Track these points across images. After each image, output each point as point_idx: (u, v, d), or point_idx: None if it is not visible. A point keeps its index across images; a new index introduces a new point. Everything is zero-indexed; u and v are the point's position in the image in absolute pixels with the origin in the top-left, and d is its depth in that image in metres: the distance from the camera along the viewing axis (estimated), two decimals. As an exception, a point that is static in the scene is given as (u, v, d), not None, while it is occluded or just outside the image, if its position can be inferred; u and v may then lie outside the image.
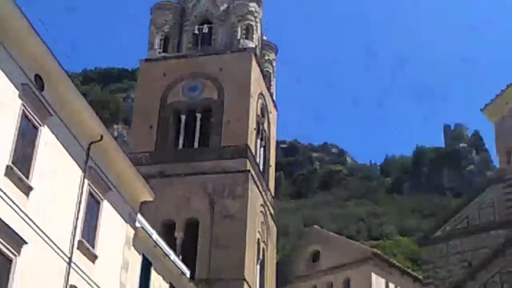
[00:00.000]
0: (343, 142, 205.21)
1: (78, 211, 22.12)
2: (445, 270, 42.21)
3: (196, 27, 50.01)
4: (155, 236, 28.57)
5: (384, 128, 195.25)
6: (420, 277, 46.45)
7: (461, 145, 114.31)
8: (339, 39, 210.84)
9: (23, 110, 19.58)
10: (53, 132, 21.05)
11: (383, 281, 49.58)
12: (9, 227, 18.30)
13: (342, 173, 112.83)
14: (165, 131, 45.32)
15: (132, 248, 26.04)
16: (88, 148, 23.02)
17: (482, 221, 42.63)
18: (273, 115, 51.69)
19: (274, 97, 52.28)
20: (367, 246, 57.78)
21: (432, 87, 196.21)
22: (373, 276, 48.86)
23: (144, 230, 27.36)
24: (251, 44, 48.14)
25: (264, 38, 53.06)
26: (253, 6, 49.46)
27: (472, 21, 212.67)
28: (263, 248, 44.89)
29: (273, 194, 49.72)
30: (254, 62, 47.22)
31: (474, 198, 44.12)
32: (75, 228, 21.84)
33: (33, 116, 20.04)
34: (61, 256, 20.97)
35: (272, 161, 50.86)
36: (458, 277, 37.66)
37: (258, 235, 43.68)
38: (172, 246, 34.11)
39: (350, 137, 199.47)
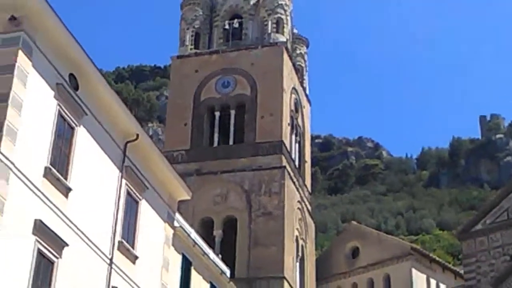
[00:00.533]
0: (378, 136, 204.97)
1: (117, 211, 22.19)
2: (487, 264, 41.94)
3: (226, 22, 49.91)
4: (193, 234, 28.58)
5: (419, 121, 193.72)
6: (462, 271, 46.11)
7: (497, 135, 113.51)
8: (375, 30, 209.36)
9: (59, 110, 19.61)
10: (89, 132, 21.09)
11: (424, 276, 49.27)
12: (49, 229, 18.36)
13: (378, 167, 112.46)
14: (199, 128, 45.32)
15: (172, 247, 26.05)
16: (125, 148, 23.06)
17: (523, 213, 42.40)
18: (306, 109, 51.50)
19: (307, 91, 52.08)
20: (406, 241, 57.44)
21: (466, 77, 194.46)
22: (414, 271, 48.59)
23: (183, 229, 27.37)
24: (282, 38, 47.96)
25: (295, 31, 52.88)
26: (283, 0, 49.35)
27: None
28: (302, 245, 44.76)
29: (309, 190, 49.57)
30: (285, 56, 47.04)
31: (512, 191, 43.81)
32: (114, 228, 21.91)
33: (69, 116, 20.07)
34: (102, 258, 21.05)
35: (308, 157, 50.69)
36: (501, 271, 37.37)
37: (296, 232, 43.55)
38: (211, 244, 34.16)
39: (385, 131, 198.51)
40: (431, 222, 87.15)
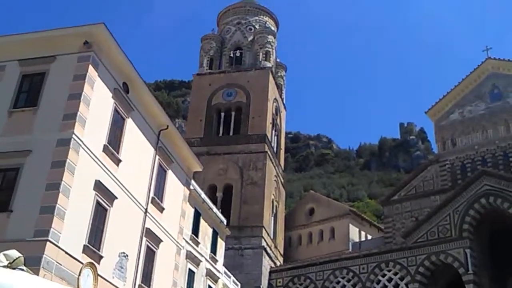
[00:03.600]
0: (331, 133, 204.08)
1: (151, 177, 22.17)
2: (400, 223, 42.23)
3: (231, 52, 49.74)
4: (203, 195, 28.57)
5: (359, 123, 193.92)
6: (383, 227, 46.33)
7: (411, 137, 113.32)
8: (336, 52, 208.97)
9: (114, 106, 19.59)
10: (135, 122, 21.08)
11: (357, 230, 49.40)
12: (105, 187, 18.38)
13: (330, 155, 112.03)
14: (210, 123, 45.18)
15: (188, 203, 26.06)
16: (159, 134, 23.02)
17: (425, 189, 42.68)
18: (283, 114, 51.40)
19: (284, 101, 52.01)
20: (346, 205, 57.48)
21: (391, 92, 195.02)
22: (350, 226, 48.70)
23: (196, 191, 27.38)
24: (269, 64, 47.84)
25: (278, 60, 52.74)
26: (270, 38, 49.14)
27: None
28: (276, 205, 44.79)
29: (283, 168, 49.53)
30: (270, 77, 46.92)
31: (419, 173, 44.12)
32: (149, 188, 21.91)
33: (121, 111, 20.05)
34: (140, 208, 21.07)
35: (282, 146, 50.61)
36: (408, 227, 37.61)
37: (272, 196, 43.57)
38: (214, 202, 34.11)
39: (336, 129, 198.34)
40: (364, 193, 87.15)
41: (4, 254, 4.42)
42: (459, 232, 33.68)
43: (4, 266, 4.21)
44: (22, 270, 4.31)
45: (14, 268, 4.26)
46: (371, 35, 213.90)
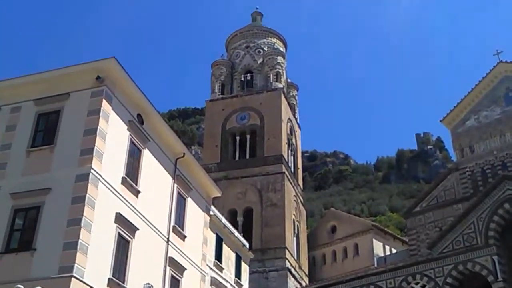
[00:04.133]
0: (347, 149, 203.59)
1: (171, 205, 22.22)
2: (424, 234, 41.58)
3: (242, 75, 50.01)
4: (223, 220, 28.50)
5: (375, 137, 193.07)
6: (407, 240, 45.77)
7: (428, 147, 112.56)
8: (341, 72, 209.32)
9: (130, 138, 19.72)
10: (151, 153, 21.18)
11: (381, 244, 48.91)
12: (126, 219, 18.43)
13: (347, 171, 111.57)
14: (226, 148, 45.28)
15: (209, 229, 25.99)
16: (176, 162, 23.11)
17: (446, 198, 42.05)
18: (298, 133, 51.39)
19: (298, 121, 52.02)
20: (368, 220, 57.04)
21: (405, 103, 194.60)
22: (374, 241, 48.26)
23: (216, 216, 27.30)
24: (280, 85, 47.95)
25: (289, 80, 52.90)
26: (280, 59, 49.34)
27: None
28: (297, 225, 44.54)
29: (301, 187, 49.37)
30: (283, 98, 47.03)
31: (439, 183, 43.57)
32: (170, 217, 21.93)
33: (137, 142, 20.17)
34: (161, 237, 21.06)
35: (299, 165, 50.50)
36: (433, 238, 37.04)
37: (293, 217, 43.35)
38: (236, 226, 34.05)
39: (352, 145, 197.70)
40: (385, 207, 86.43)
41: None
42: (485, 240, 33.11)
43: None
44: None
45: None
46: (380, 46, 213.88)
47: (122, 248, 18.05)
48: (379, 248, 48.36)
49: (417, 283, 34.79)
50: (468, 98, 44.11)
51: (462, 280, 33.62)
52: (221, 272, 27.16)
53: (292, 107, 50.48)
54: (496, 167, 40.28)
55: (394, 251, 48.52)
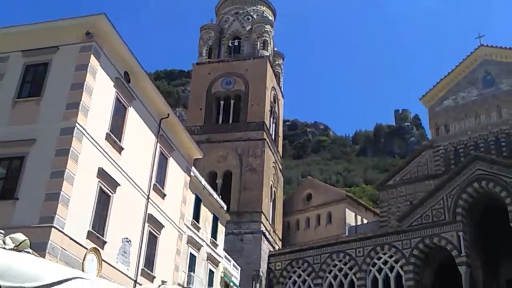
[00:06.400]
0: (327, 120, 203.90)
1: (153, 164, 22.17)
2: (395, 207, 42.34)
3: (230, 41, 49.54)
4: (203, 182, 28.63)
5: (354, 111, 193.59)
6: (378, 211, 46.47)
7: (406, 123, 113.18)
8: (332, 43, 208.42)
9: (116, 95, 19.55)
10: (136, 111, 21.04)
11: (353, 214, 49.56)
12: (108, 174, 18.40)
13: (326, 142, 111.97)
14: (210, 111, 45.09)
15: (189, 189, 26.09)
16: (160, 122, 22.99)
17: (419, 174, 42.76)
18: (281, 101, 51.33)
19: (282, 89, 51.92)
20: (343, 191, 57.62)
21: (386, 79, 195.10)
22: (347, 211, 48.87)
23: (196, 178, 27.41)
24: (266, 53, 47.66)
25: (275, 48, 52.55)
26: (268, 27, 48.97)
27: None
28: (274, 191, 44.86)
29: (281, 155, 49.55)
30: (268, 66, 46.80)
31: (414, 159, 44.19)
32: (151, 175, 21.91)
33: (123, 100, 20.02)
34: (142, 194, 21.09)
35: (280, 133, 50.61)
36: (403, 212, 37.71)
37: (271, 182, 43.62)
38: (215, 188, 34.18)
39: (332, 117, 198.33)
40: (360, 179, 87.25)
41: (10, 237, 4.46)
42: (452, 216, 33.81)
43: (10, 249, 4.24)
44: (28, 252, 4.34)
45: (20, 251, 4.30)
46: (366, 24, 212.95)
47: (103, 202, 18.08)
48: (351, 217, 49.03)
49: (384, 253, 35.56)
50: (447, 79, 44.45)
51: (428, 253, 34.43)
52: (198, 231, 27.40)
53: (277, 76, 50.30)
54: (469, 147, 40.87)
55: (365, 221, 49.26)
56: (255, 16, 50.39)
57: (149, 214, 21.32)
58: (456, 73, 44.33)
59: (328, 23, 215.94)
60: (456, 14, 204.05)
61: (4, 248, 4.15)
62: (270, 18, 51.84)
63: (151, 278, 20.92)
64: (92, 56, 17.92)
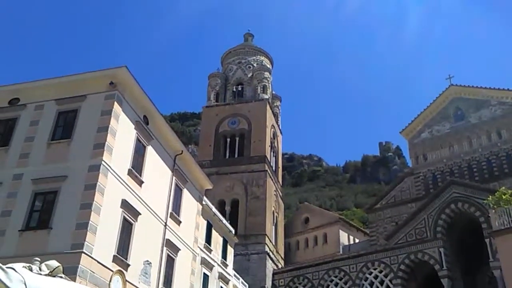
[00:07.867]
0: (321, 153, 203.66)
1: (170, 194, 22.14)
2: (382, 227, 41.99)
3: (234, 87, 49.94)
4: (214, 209, 28.46)
5: (344, 143, 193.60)
6: (368, 232, 46.05)
7: (389, 154, 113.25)
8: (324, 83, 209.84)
9: (137, 136, 19.62)
10: (154, 149, 21.08)
11: (346, 234, 49.19)
12: (131, 205, 18.34)
13: (320, 171, 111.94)
14: (218, 147, 45.14)
15: (201, 216, 25.95)
16: (175, 158, 23.04)
17: (402, 198, 42.55)
18: (279, 137, 51.41)
19: (280, 127, 52.06)
20: (336, 214, 57.27)
21: (371, 115, 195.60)
22: (340, 232, 48.58)
23: (208, 205, 27.27)
24: (266, 96, 47.97)
25: (273, 92, 52.91)
26: (266, 74, 49.42)
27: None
28: (276, 216, 44.52)
29: (281, 184, 49.38)
30: (268, 107, 47.04)
31: (397, 185, 44.03)
32: (168, 205, 21.85)
33: (142, 140, 20.08)
34: (160, 222, 20.98)
35: (280, 165, 50.50)
36: (390, 232, 37.37)
37: (273, 208, 43.33)
38: (224, 215, 33.97)
39: (325, 150, 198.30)
40: (351, 203, 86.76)
41: (45, 264, 4.42)
42: (433, 234, 33.47)
43: (46, 275, 4.20)
44: (61, 277, 4.30)
45: (54, 276, 4.25)
46: (350, 65, 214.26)
47: (126, 229, 17.97)
48: (344, 237, 48.62)
49: (375, 269, 35.06)
50: (423, 114, 44.67)
51: (413, 267, 33.94)
52: (210, 253, 27.11)
53: (275, 115, 50.52)
54: (445, 173, 40.80)
55: (357, 240, 48.82)
56: (255, 65, 50.95)
57: (167, 239, 21.16)
58: (431, 110, 44.60)
59: (319, 64, 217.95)
60: (428, 54, 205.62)
61: (40, 274, 4.12)
62: (268, 66, 52.40)
63: (169, 296, 20.63)
64: (115, 103, 18.09)
